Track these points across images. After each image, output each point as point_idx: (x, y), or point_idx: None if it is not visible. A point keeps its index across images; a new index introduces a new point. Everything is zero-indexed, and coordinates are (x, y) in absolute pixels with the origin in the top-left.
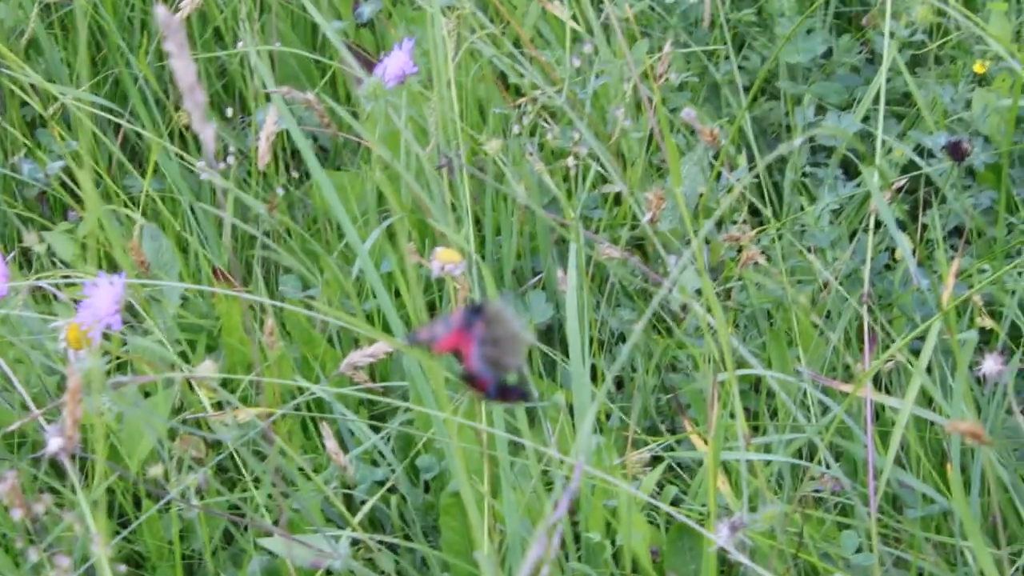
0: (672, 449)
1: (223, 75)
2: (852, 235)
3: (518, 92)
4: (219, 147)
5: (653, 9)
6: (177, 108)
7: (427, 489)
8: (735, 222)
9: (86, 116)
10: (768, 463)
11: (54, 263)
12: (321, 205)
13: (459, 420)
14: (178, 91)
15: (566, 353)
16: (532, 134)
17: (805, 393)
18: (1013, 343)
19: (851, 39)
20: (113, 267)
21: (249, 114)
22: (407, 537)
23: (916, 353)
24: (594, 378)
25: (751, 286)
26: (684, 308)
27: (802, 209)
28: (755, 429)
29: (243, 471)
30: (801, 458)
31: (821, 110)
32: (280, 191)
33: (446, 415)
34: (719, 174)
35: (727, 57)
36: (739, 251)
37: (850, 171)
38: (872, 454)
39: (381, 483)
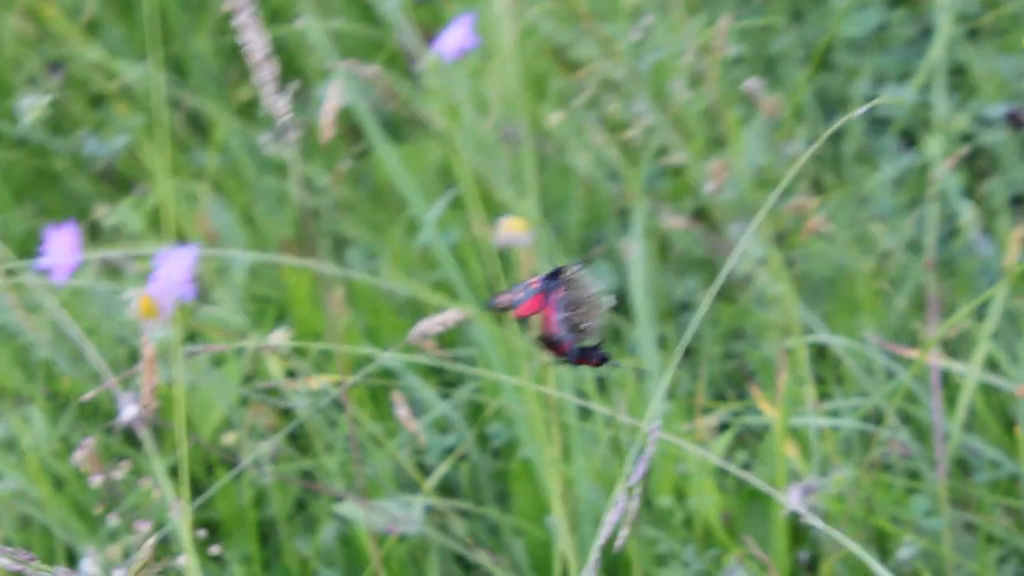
0: (740, 416)
1: (281, 53)
2: (913, 204)
3: (576, 67)
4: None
5: None
6: (239, 84)
7: (497, 455)
8: (797, 191)
9: (151, 90)
10: (836, 429)
11: (122, 236)
12: (385, 178)
13: (529, 386)
14: (239, 68)
15: (632, 322)
16: (593, 107)
17: (871, 360)
18: None
19: (906, 11)
20: (181, 240)
21: (311, 87)
22: (478, 503)
23: (981, 320)
24: (662, 346)
25: (815, 254)
26: (749, 277)
27: (863, 179)
28: (823, 395)
29: (315, 439)
30: (869, 423)
31: (879, 81)
32: (344, 163)
33: (517, 380)
34: (779, 145)
35: (779, 30)
36: (803, 220)
37: (910, 142)
38: (940, 419)
39: (451, 450)
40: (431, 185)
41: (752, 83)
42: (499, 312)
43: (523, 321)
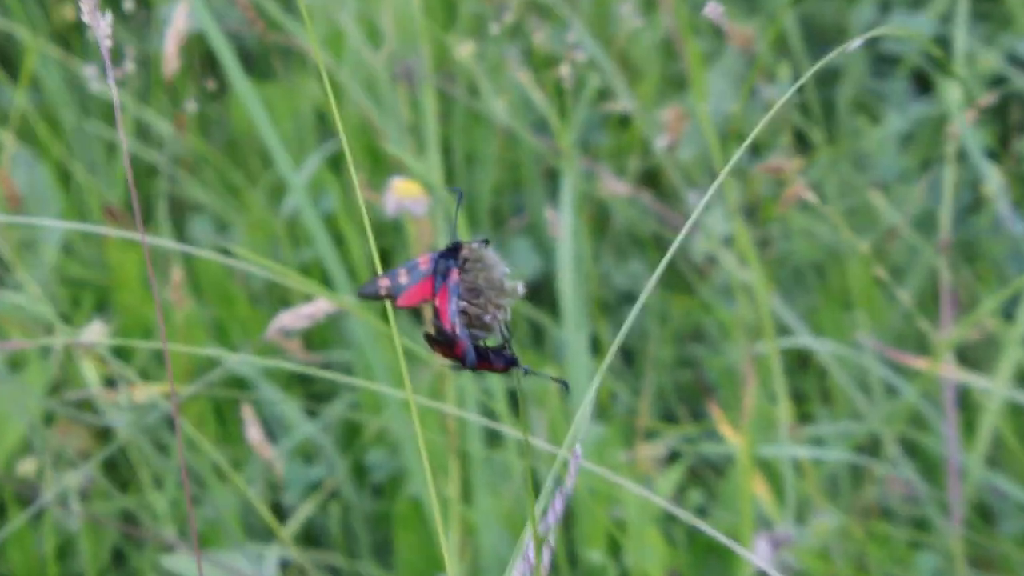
0: (695, 442)
1: None
2: (925, 167)
3: None
4: (114, 49)
5: None
6: (60, 1)
7: (377, 493)
8: (775, 148)
9: None
10: (819, 461)
11: None
12: (243, 125)
13: (420, 401)
14: None
15: (558, 317)
16: (515, 36)
17: (867, 370)
18: None
19: None
20: None
21: (152, 8)
22: (352, 556)
23: (1010, 319)
24: (595, 349)
25: (796, 231)
26: (710, 260)
27: (861, 133)
28: (803, 417)
29: (140, 469)
30: (862, 455)
31: (885, 8)
32: (191, 106)
33: (404, 394)
34: (754, 88)
35: None
36: (781, 186)
37: (923, 86)
38: (955, 450)
39: (318, 485)
40: (304, 136)
41: (715, 8)
42: (376, 301)
43: (417, 314)
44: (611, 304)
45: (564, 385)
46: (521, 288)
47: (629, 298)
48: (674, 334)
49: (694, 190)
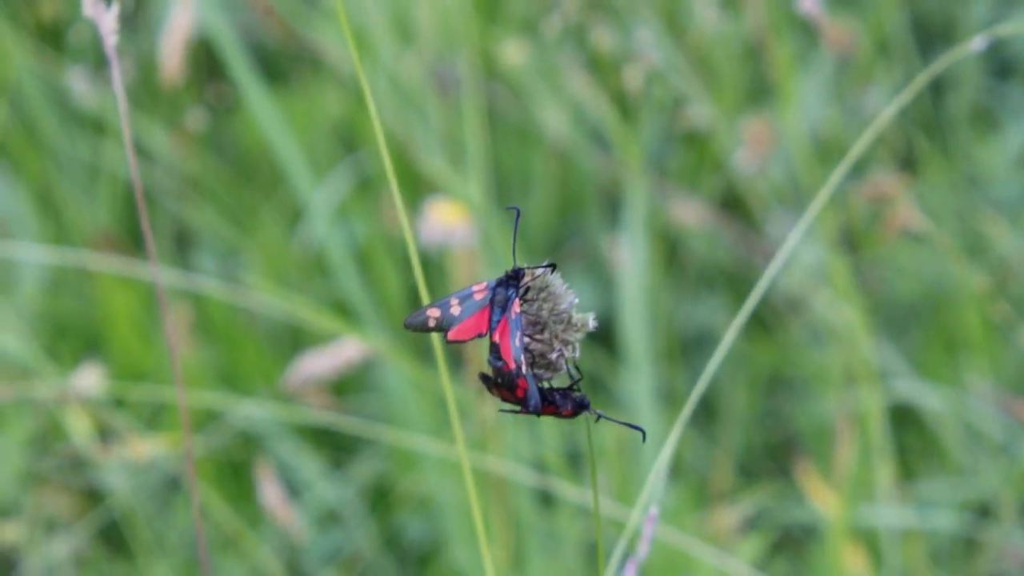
0: (780, 506)
1: None
2: None
3: None
4: (101, 50)
5: None
6: None
7: (409, 561)
8: (874, 166)
9: None
10: (925, 528)
11: None
12: (254, 141)
13: (463, 456)
14: None
15: (618, 362)
16: (570, 37)
17: (981, 423)
18: None
19: None
20: None
21: (148, 6)
22: None
23: None
24: (661, 400)
25: (899, 263)
26: (797, 297)
27: (975, 149)
28: (906, 476)
29: (139, 534)
30: (975, 520)
31: (1006, 2)
32: (196, 117)
33: (444, 448)
34: (852, 96)
35: None
36: (882, 211)
37: None
38: None
39: (343, 551)
40: (326, 151)
41: (810, 3)
42: (423, 333)
43: (457, 356)
44: (683, 347)
45: (642, 432)
46: (592, 321)
47: (699, 341)
48: (755, 382)
49: (782, 216)
